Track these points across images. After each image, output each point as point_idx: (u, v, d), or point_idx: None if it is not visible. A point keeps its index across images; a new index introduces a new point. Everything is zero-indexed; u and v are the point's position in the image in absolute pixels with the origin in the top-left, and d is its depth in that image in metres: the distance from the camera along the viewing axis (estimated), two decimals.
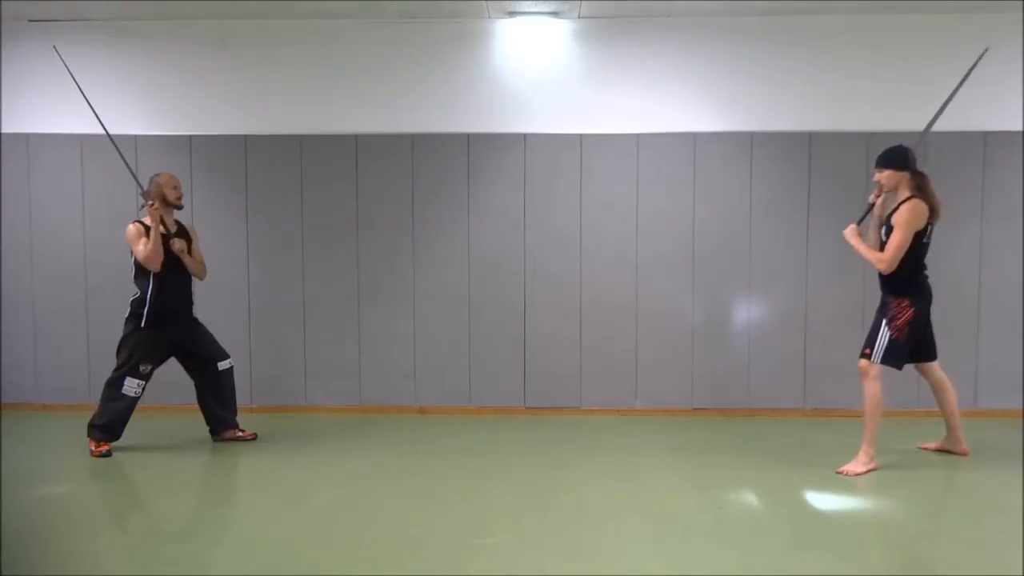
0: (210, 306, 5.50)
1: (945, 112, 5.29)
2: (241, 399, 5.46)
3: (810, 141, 5.34)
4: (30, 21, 5.43)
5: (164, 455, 4.45)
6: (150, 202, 4.42)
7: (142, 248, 4.36)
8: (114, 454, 4.40)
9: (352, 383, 5.53)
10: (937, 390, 4.28)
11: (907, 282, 4.01)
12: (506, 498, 3.70)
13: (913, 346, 4.12)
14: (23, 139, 5.49)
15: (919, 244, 3.98)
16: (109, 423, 4.38)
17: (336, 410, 5.51)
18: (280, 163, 5.45)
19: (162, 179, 4.50)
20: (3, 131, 5.48)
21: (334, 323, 5.51)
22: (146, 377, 4.42)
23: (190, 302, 4.63)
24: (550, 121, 5.41)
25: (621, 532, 3.28)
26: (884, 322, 4.03)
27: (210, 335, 4.69)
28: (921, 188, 3.97)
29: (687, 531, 3.29)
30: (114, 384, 4.39)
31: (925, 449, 4.49)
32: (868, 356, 4.05)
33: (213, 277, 5.50)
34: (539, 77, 5.42)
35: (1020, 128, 5.26)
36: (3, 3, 5.15)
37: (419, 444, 4.68)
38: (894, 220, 3.95)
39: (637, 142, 5.37)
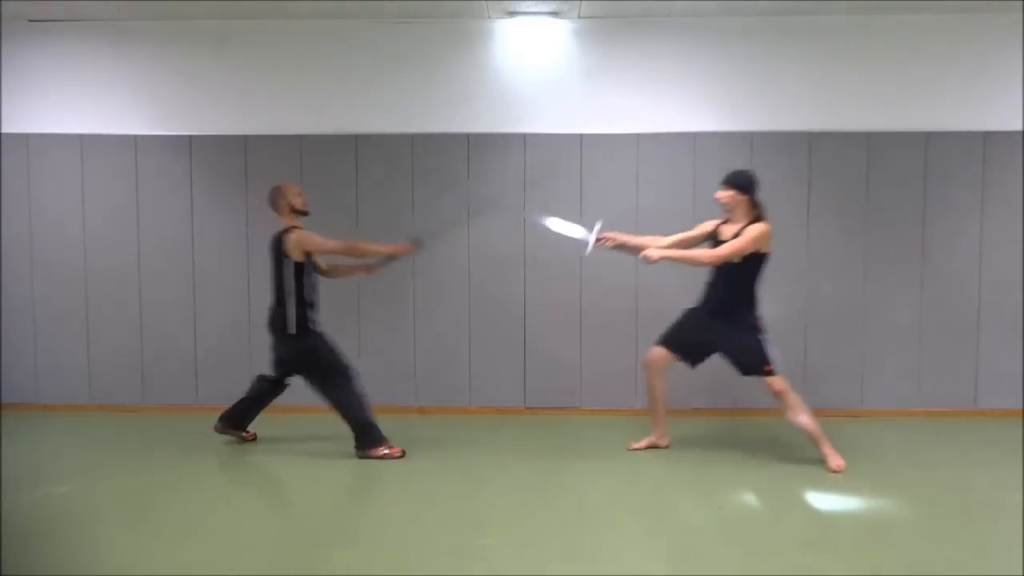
0: (210, 306, 5.52)
1: (946, 112, 5.34)
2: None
3: (810, 141, 5.34)
4: (30, 21, 5.42)
5: (164, 455, 4.44)
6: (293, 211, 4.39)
7: (335, 244, 4.33)
8: (112, 454, 4.40)
9: None
10: (658, 385, 4.40)
11: (755, 298, 4.19)
12: (506, 498, 3.71)
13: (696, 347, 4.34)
14: (23, 139, 5.49)
15: (764, 264, 4.16)
16: (372, 423, 4.34)
17: None
18: (280, 163, 5.44)
19: (287, 188, 4.43)
20: (3, 131, 5.48)
21: (334, 323, 5.48)
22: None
23: None
24: (550, 121, 5.40)
25: (621, 532, 3.28)
26: (760, 337, 4.17)
27: None
28: (760, 216, 4.15)
29: (687, 531, 3.29)
30: (353, 395, 4.32)
31: (635, 449, 4.50)
32: (772, 372, 4.13)
33: (213, 277, 5.52)
34: (539, 77, 5.42)
35: (1020, 128, 5.25)
36: (3, 3, 5.15)
37: (419, 444, 4.67)
38: (745, 232, 4.08)
39: (637, 142, 5.37)
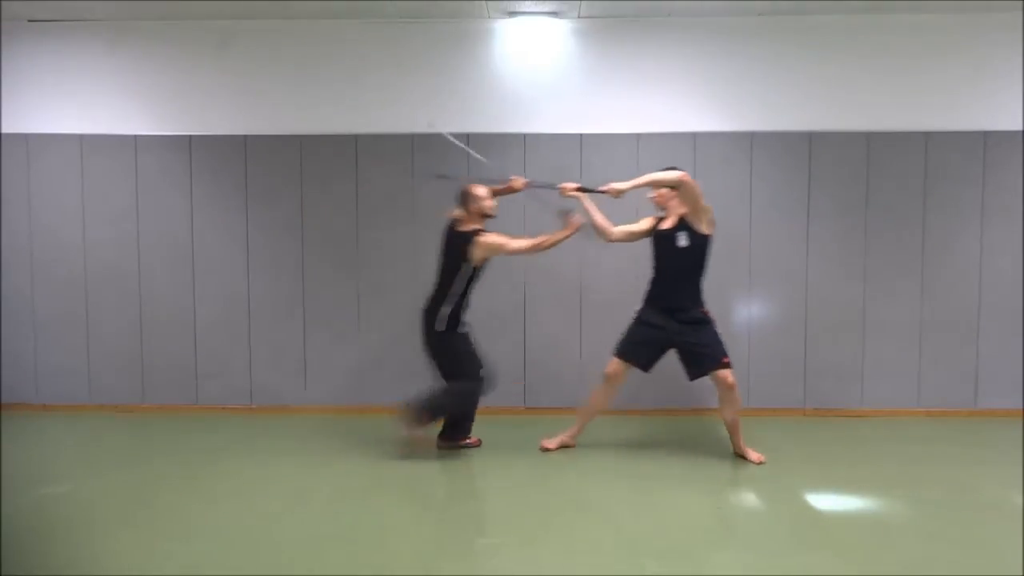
0: (210, 306, 5.52)
1: (946, 112, 5.34)
2: (241, 399, 5.49)
3: (810, 141, 5.34)
4: (30, 21, 5.43)
5: (164, 455, 4.44)
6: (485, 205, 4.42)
7: (524, 244, 4.37)
8: (112, 454, 4.39)
9: (352, 383, 5.53)
10: (608, 398, 4.49)
11: (701, 288, 4.33)
12: (506, 498, 3.71)
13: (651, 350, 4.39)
14: (23, 139, 5.49)
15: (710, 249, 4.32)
16: (441, 414, 4.44)
17: (335, 410, 5.51)
18: (280, 163, 5.44)
19: (481, 194, 4.41)
20: (3, 131, 5.48)
21: (334, 323, 5.51)
22: None
23: None
24: (550, 121, 5.40)
25: (621, 532, 3.28)
26: (716, 330, 4.27)
27: None
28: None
29: (687, 531, 3.29)
30: (474, 391, 4.42)
31: (547, 449, 4.54)
32: (729, 364, 4.24)
33: (212, 277, 5.52)
34: (539, 77, 5.42)
35: (1020, 128, 5.26)
36: (3, 3, 5.15)
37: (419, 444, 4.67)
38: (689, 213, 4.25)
39: (637, 142, 5.37)
